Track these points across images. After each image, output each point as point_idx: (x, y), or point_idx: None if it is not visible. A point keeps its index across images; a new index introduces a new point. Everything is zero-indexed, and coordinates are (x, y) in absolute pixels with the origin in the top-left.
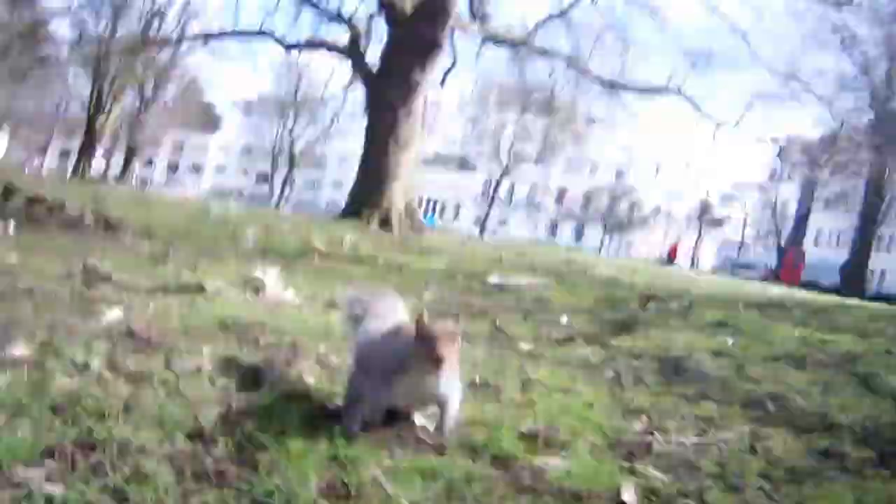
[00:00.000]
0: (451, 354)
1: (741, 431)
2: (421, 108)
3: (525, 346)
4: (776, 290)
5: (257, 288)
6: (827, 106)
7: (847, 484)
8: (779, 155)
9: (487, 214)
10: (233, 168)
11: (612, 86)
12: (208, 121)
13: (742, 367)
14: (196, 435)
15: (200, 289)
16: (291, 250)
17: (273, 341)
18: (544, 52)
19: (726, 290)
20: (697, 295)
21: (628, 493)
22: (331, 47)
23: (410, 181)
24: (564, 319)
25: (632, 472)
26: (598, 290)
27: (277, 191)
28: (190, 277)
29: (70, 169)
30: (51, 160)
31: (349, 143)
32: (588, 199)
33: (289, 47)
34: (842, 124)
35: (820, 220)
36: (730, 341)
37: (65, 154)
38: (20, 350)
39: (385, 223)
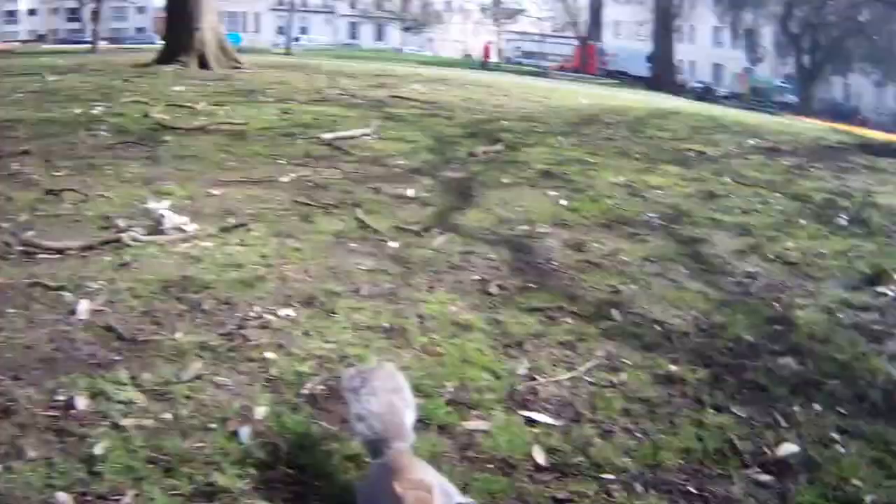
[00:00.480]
0: None
1: (600, 360)
2: None
3: (392, 244)
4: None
5: (158, 223)
6: None
7: (690, 417)
8: None
9: (290, 24)
10: (43, 10)
11: None
12: None
13: (581, 245)
14: None
15: (118, 241)
16: (137, 129)
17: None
18: None
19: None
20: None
21: (539, 455)
22: None
23: (215, 15)
24: (410, 192)
25: (531, 423)
26: (427, 128)
27: (88, 26)
28: (100, 221)
29: None
30: None
31: None
32: None
33: None
34: None
35: (616, 13)
36: (563, 202)
37: None
38: None
39: (203, 63)
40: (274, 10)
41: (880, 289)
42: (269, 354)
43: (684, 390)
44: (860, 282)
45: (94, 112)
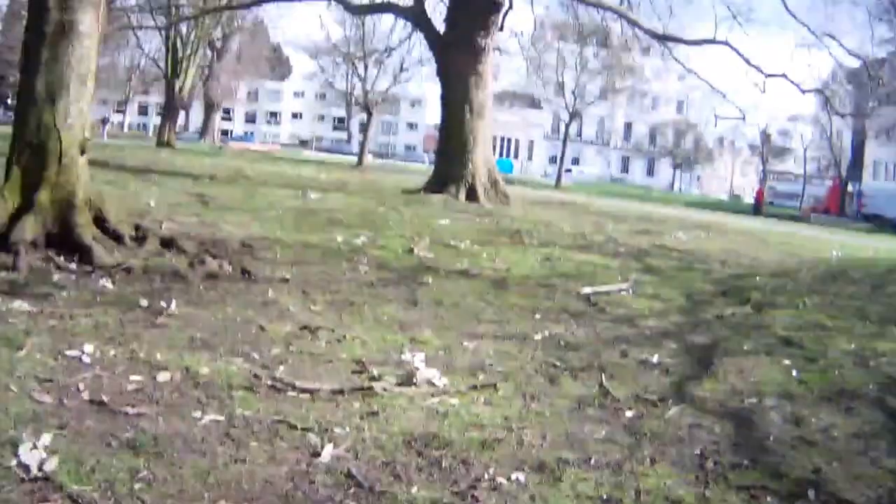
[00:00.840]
0: None
1: None
2: (490, 71)
3: (628, 413)
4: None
5: (410, 375)
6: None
7: None
8: (826, 109)
9: (562, 158)
10: (308, 115)
11: (660, 38)
12: (278, 65)
13: (800, 420)
14: None
15: (370, 389)
16: (399, 266)
17: (463, 471)
18: (594, 4)
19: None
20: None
21: None
22: (397, 11)
23: (489, 148)
24: (655, 358)
25: None
26: (683, 284)
27: (355, 136)
28: (353, 365)
29: (154, 133)
30: (130, 118)
31: (418, 87)
32: (654, 133)
33: (353, 10)
34: (879, 82)
35: (877, 153)
36: (794, 373)
37: (143, 110)
38: None
39: (471, 195)
40: (548, 138)
41: None
42: None
43: None
44: None
45: (357, 242)
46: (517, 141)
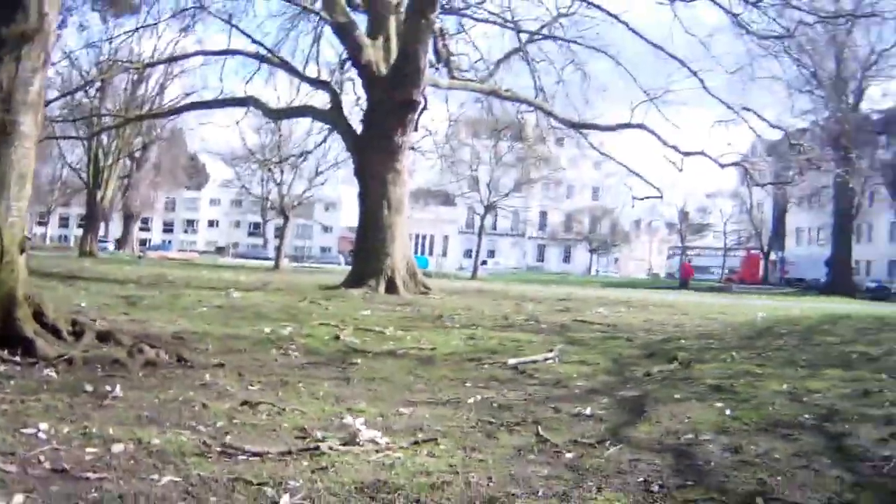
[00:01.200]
0: None
1: None
2: (407, 168)
3: (567, 455)
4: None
5: (353, 436)
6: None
7: None
8: (746, 182)
9: (478, 251)
10: (225, 222)
11: (577, 126)
12: (195, 174)
13: (738, 448)
14: None
15: (316, 449)
16: (327, 351)
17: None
18: (510, 100)
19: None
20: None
21: None
22: (314, 114)
23: (407, 242)
24: (588, 410)
25: None
26: (608, 351)
27: (271, 240)
28: (296, 432)
29: (76, 244)
30: (52, 230)
31: (333, 190)
32: (569, 221)
33: (271, 115)
34: (799, 150)
35: (798, 220)
36: (728, 412)
37: (63, 222)
38: None
39: (391, 287)
40: (462, 232)
41: None
42: None
43: None
44: None
45: (284, 332)
46: (432, 237)
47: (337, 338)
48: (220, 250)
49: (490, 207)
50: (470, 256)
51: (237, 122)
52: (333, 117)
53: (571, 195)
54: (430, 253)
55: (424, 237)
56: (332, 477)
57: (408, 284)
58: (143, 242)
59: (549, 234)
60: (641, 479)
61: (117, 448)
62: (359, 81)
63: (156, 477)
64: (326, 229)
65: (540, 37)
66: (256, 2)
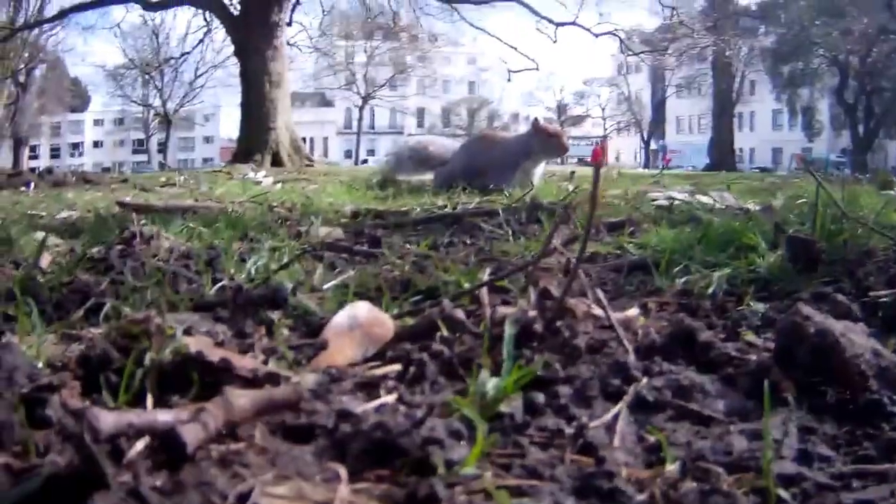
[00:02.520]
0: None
1: None
2: (284, 45)
3: None
4: None
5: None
6: None
7: None
8: (621, 48)
9: (358, 144)
10: (108, 142)
11: (448, 0)
12: (78, 96)
13: None
14: None
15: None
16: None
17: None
18: None
19: None
20: None
21: None
22: (192, 1)
23: (290, 117)
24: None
25: None
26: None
27: (154, 156)
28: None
29: None
30: None
31: (213, 99)
32: (447, 114)
33: (150, 7)
34: (672, 12)
35: (678, 108)
36: None
37: None
38: None
39: (276, 161)
40: (341, 133)
41: None
42: None
43: None
44: None
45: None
46: (311, 139)
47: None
48: (105, 171)
49: (367, 99)
50: (350, 157)
51: (118, 25)
52: (210, 1)
53: (448, 90)
54: (312, 154)
55: (304, 139)
56: None
57: (292, 157)
58: (32, 170)
59: (428, 129)
60: None
61: None
62: None
63: None
64: (208, 140)
65: None
66: None
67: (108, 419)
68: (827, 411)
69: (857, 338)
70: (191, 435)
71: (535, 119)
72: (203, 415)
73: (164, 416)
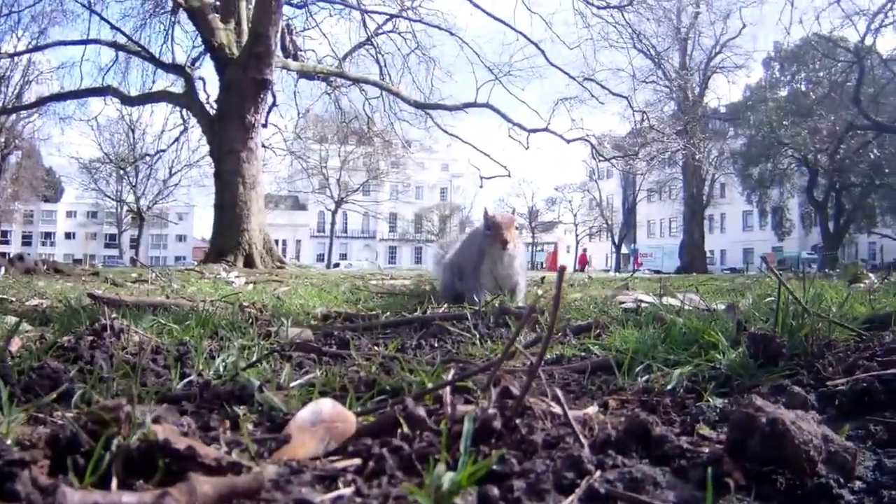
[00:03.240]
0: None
1: None
2: (259, 146)
3: None
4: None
5: (230, 282)
6: (627, 101)
7: None
8: (592, 154)
9: (329, 251)
10: (81, 234)
11: (423, 106)
12: (51, 187)
13: None
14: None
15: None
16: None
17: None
18: (356, 81)
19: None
20: None
21: None
22: (170, 98)
23: (263, 218)
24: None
25: None
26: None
27: (126, 251)
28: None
29: None
30: None
31: (186, 198)
32: (419, 220)
33: (129, 101)
34: (643, 117)
35: (648, 212)
36: None
37: None
38: None
39: (248, 262)
40: (314, 236)
41: None
42: None
43: None
44: None
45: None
46: (284, 241)
47: None
48: (77, 262)
49: (340, 203)
50: (322, 260)
51: (95, 118)
52: (188, 100)
53: (420, 196)
54: (284, 256)
55: (277, 241)
56: None
57: (265, 259)
58: (2, 254)
59: (400, 235)
60: None
61: None
62: (212, 69)
63: None
64: (181, 238)
65: (389, 18)
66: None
67: (74, 497)
68: (776, 498)
69: (806, 426)
70: None
71: (485, 209)
72: (167, 499)
73: (128, 498)
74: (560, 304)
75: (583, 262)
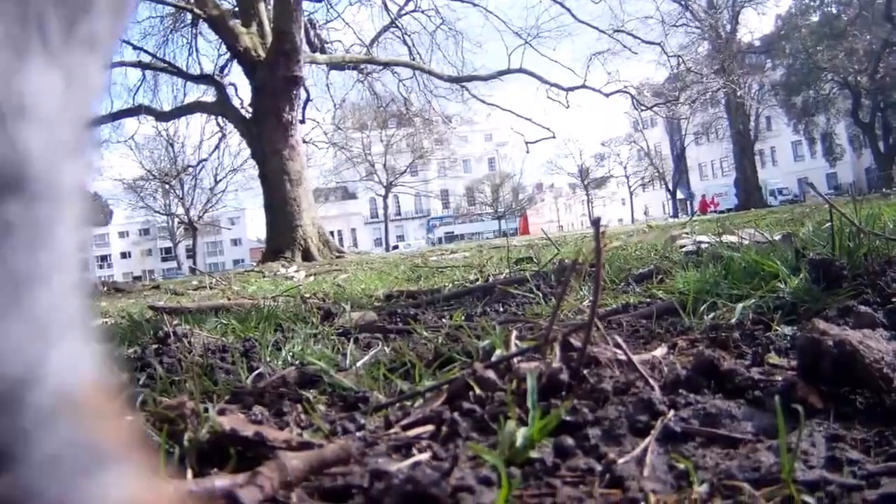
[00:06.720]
0: None
1: None
2: (300, 142)
3: None
4: None
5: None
6: (660, 48)
7: None
8: (633, 105)
9: (386, 231)
10: (136, 252)
11: (457, 80)
12: (100, 212)
13: None
14: None
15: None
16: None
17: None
18: (387, 65)
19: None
20: None
21: None
22: (204, 108)
23: (315, 212)
24: None
25: None
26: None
27: (184, 262)
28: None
29: None
30: None
31: (235, 202)
32: (471, 193)
33: (163, 117)
34: (679, 61)
35: (697, 155)
36: None
37: None
38: None
39: (307, 256)
40: (369, 223)
41: None
42: None
43: None
44: None
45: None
46: (339, 232)
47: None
48: (136, 279)
49: (389, 187)
50: (380, 244)
51: (132, 137)
52: (222, 108)
53: (469, 169)
54: (341, 245)
55: (332, 233)
56: None
57: (322, 251)
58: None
59: (454, 209)
60: None
61: None
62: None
63: None
64: (235, 242)
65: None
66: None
67: (171, 486)
68: (856, 417)
69: (875, 343)
70: (249, 497)
71: None
72: (259, 478)
73: (221, 482)
74: (602, 254)
75: (704, 206)
